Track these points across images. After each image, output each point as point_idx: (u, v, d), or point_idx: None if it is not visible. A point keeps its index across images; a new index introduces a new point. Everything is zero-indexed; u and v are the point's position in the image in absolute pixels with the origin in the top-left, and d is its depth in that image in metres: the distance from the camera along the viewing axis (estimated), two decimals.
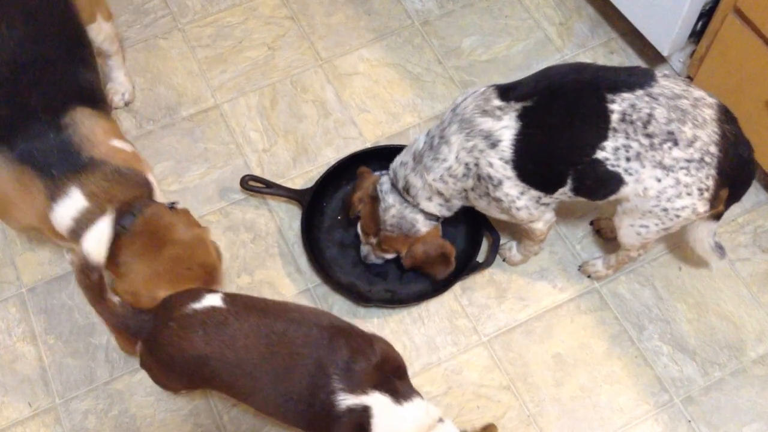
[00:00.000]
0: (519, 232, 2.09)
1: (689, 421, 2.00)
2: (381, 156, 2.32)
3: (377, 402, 1.57)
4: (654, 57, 2.52)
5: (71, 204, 1.77)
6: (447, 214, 1.99)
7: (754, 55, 2.03)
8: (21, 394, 2.06)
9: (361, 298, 2.16)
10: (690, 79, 2.34)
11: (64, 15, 1.90)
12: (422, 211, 1.96)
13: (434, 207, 1.94)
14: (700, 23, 2.27)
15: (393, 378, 1.64)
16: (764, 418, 2.00)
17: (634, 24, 2.43)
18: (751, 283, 2.18)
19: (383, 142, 2.41)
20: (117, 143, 1.86)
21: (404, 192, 1.94)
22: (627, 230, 1.86)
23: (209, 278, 1.85)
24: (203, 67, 2.57)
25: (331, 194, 2.32)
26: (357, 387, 1.57)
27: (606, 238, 2.22)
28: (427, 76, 2.55)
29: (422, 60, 2.58)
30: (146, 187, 1.86)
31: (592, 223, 2.26)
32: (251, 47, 2.61)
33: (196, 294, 1.66)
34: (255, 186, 2.26)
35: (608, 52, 2.58)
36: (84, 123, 1.80)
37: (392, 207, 1.97)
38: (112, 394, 2.06)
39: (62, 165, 1.77)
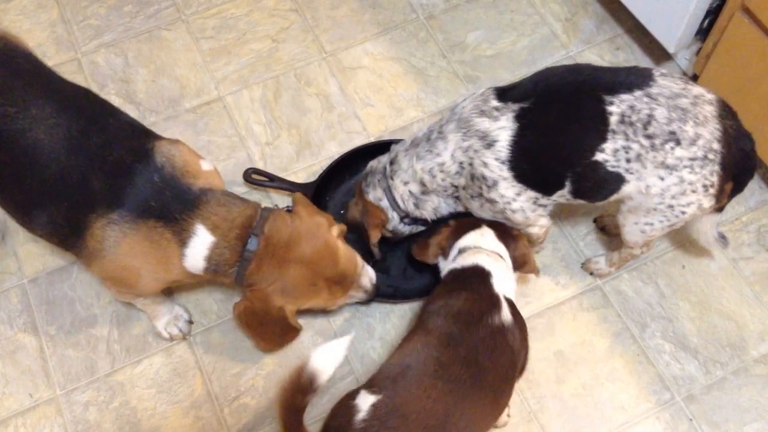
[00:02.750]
0: None
1: (690, 420, 2.00)
2: (384, 151, 2.31)
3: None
4: (660, 54, 2.51)
5: (200, 242, 1.72)
6: (410, 209, 1.95)
7: (761, 53, 2.02)
8: (22, 385, 2.06)
9: None
10: (696, 77, 2.33)
11: (57, 77, 1.82)
12: (387, 189, 1.94)
13: (402, 191, 1.93)
14: (706, 21, 2.26)
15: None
16: (765, 417, 2.00)
17: (640, 21, 2.42)
18: (754, 282, 2.18)
19: (387, 137, 2.40)
20: (205, 165, 1.82)
21: (389, 163, 1.95)
22: (631, 228, 1.86)
23: (336, 285, 1.85)
24: (207, 58, 2.56)
25: (334, 189, 2.31)
26: None
27: (611, 234, 2.21)
28: (431, 71, 2.54)
29: (427, 54, 2.57)
30: (249, 202, 1.83)
31: (595, 221, 2.25)
32: (255, 39, 2.60)
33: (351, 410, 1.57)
34: (258, 179, 2.25)
35: (614, 49, 2.56)
36: (173, 154, 1.75)
37: (378, 161, 2.00)
38: (113, 386, 2.05)
39: (180, 204, 1.71)
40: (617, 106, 1.68)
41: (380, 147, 2.30)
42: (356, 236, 2.08)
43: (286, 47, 2.58)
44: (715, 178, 1.70)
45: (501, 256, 1.84)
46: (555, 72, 1.80)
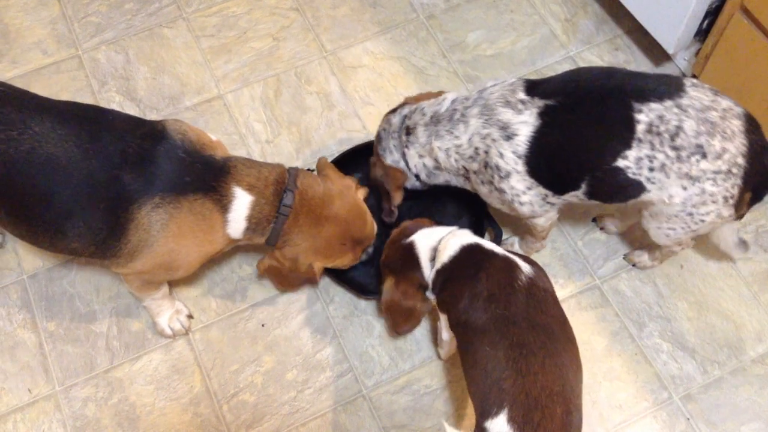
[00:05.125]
0: (522, 228, 2.09)
1: (688, 419, 2.01)
2: None
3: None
4: (659, 55, 2.51)
5: (241, 204, 1.78)
6: (422, 175, 1.96)
7: (760, 54, 2.03)
8: (21, 380, 2.06)
9: (361, 290, 2.16)
10: (695, 77, 2.34)
11: (40, 96, 1.81)
12: (403, 154, 1.95)
13: (416, 162, 1.94)
14: (706, 21, 2.27)
15: None
16: (762, 417, 2.01)
17: (640, 21, 2.43)
18: (752, 282, 2.18)
19: None
20: (212, 137, 1.87)
21: (404, 129, 1.93)
22: (656, 232, 1.87)
23: (358, 246, 1.94)
24: (207, 56, 2.57)
25: None
26: None
27: (610, 233, 2.22)
28: (431, 70, 2.55)
29: (427, 54, 2.58)
30: (272, 163, 1.89)
31: (594, 220, 2.26)
32: (256, 38, 2.60)
33: None
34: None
35: (613, 49, 2.57)
36: (185, 130, 1.78)
37: (388, 123, 1.98)
38: (112, 382, 2.06)
39: (212, 174, 1.75)
40: (646, 115, 1.66)
41: None
42: (376, 196, 2.10)
43: (287, 46, 2.59)
44: (735, 191, 1.70)
45: (456, 229, 1.84)
46: (588, 72, 1.79)
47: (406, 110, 1.97)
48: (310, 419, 2.01)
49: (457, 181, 1.95)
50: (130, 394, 2.04)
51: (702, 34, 2.31)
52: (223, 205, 1.77)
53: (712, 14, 2.23)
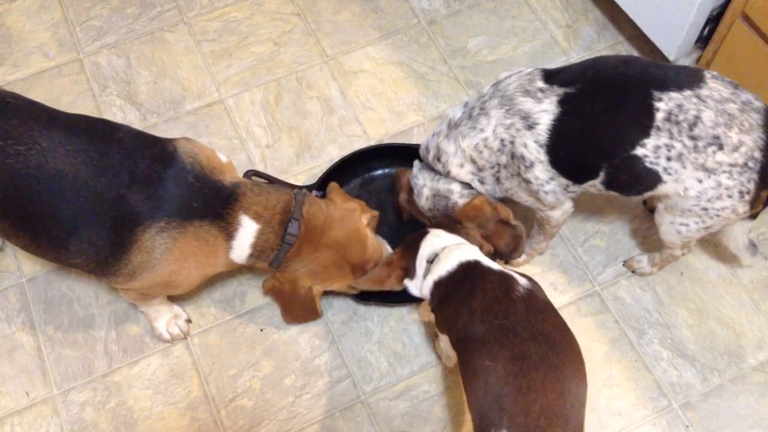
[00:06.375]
0: (532, 223, 2.07)
1: (687, 427, 2.00)
2: (384, 155, 2.32)
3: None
4: (660, 61, 2.51)
5: (247, 232, 1.78)
6: (480, 187, 1.89)
7: (761, 61, 2.03)
8: (19, 383, 2.06)
9: (360, 296, 2.15)
10: None
11: (49, 107, 1.79)
12: (455, 180, 1.89)
13: (466, 174, 1.88)
14: (707, 29, 2.27)
15: None
16: (762, 425, 2.00)
17: (641, 28, 2.43)
18: (753, 290, 2.18)
19: (387, 141, 2.40)
20: (223, 157, 1.86)
21: (435, 161, 1.89)
22: (667, 227, 1.86)
23: (360, 271, 1.93)
24: (208, 61, 2.57)
25: None
26: None
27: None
28: (432, 76, 2.55)
29: (428, 59, 2.58)
30: (281, 188, 1.89)
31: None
32: (257, 42, 2.61)
33: None
34: (258, 181, 2.25)
35: None
36: (196, 152, 1.77)
37: (423, 188, 1.92)
38: (110, 386, 2.05)
39: (220, 200, 1.75)
40: (665, 103, 1.66)
41: (381, 150, 2.31)
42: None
43: (288, 51, 2.59)
44: (751, 186, 1.70)
45: (464, 243, 1.81)
46: (606, 61, 1.78)
47: (416, 167, 1.95)
48: (308, 425, 2.01)
49: (498, 185, 1.89)
50: (128, 398, 2.04)
51: (703, 41, 2.31)
52: (229, 232, 1.77)
53: (713, 21, 2.24)
